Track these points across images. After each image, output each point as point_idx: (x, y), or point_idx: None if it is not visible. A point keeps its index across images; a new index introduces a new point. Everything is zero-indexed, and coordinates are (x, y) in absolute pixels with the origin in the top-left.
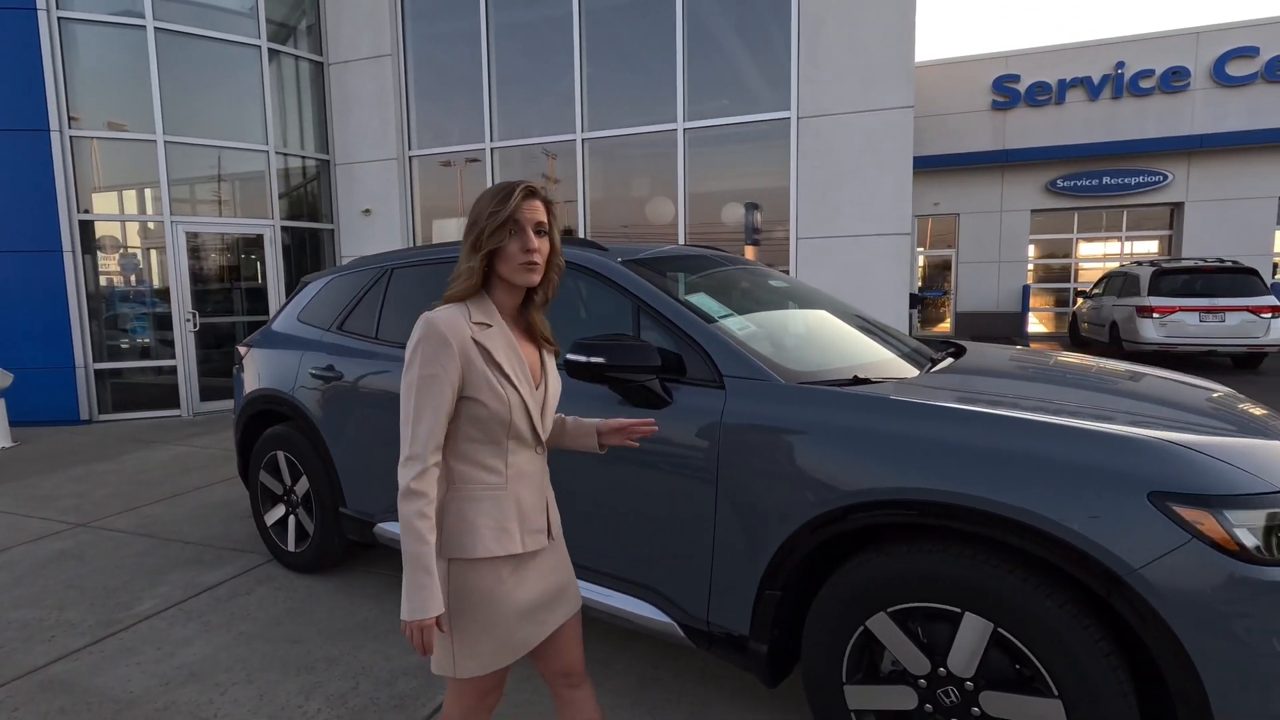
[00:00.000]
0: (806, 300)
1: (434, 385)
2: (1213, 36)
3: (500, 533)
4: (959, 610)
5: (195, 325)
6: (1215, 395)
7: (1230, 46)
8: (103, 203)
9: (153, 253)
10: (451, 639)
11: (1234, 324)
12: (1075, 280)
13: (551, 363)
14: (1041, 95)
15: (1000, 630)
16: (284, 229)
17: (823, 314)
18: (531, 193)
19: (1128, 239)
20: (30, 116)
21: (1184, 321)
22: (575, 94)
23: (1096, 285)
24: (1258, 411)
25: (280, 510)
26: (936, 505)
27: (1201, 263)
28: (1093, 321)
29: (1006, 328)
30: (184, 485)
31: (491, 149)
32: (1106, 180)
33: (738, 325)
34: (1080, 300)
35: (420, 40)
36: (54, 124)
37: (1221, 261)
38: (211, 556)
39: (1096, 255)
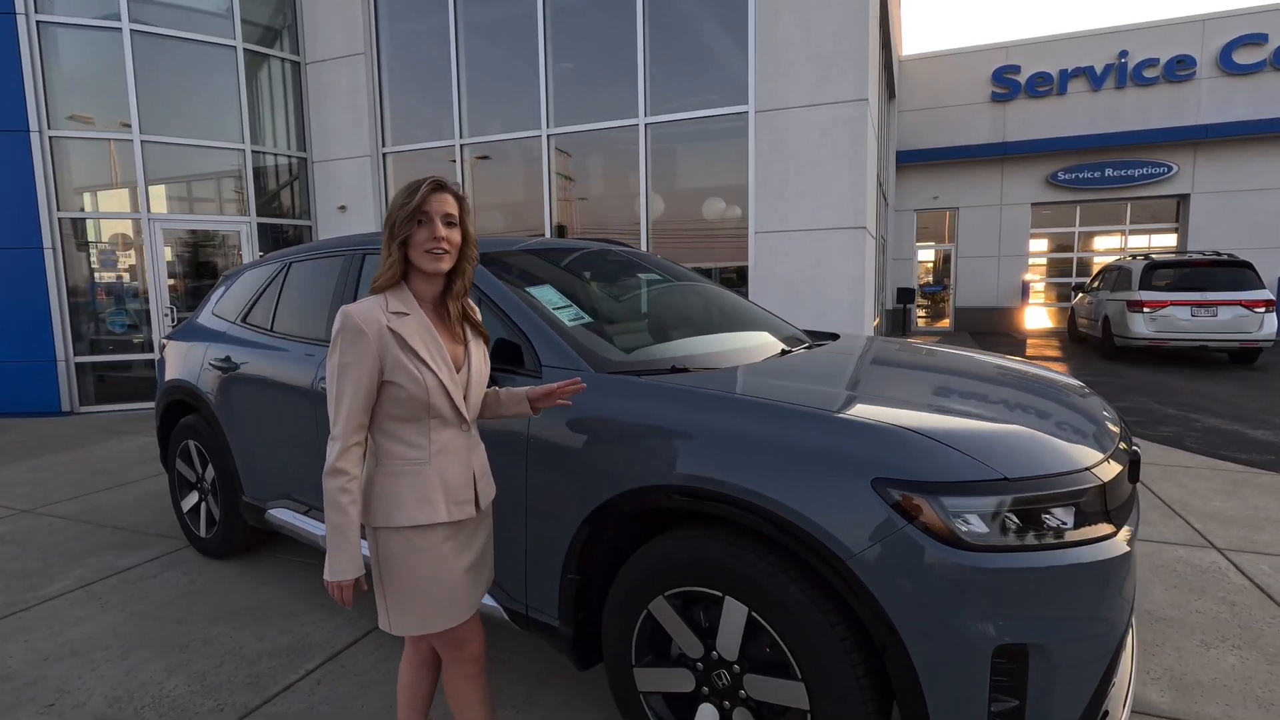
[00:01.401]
0: (687, 292)
1: (350, 372)
2: (1219, 24)
3: (424, 504)
4: (721, 595)
5: (174, 320)
6: (1069, 389)
7: (1238, 34)
8: (82, 201)
9: (131, 249)
10: (385, 601)
11: (1226, 319)
12: (1076, 275)
13: (477, 347)
14: (1042, 86)
15: (754, 615)
16: (261, 225)
17: (695, 303)
18: (440, 186)
19: (1131, 232)
20: (10, 118)
21: (1175, 316)
22: (541, 90)
23: (1093, 280)
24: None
25: (194, 497)
26: (687, 490)
27: (1196, 256)
28: (1088, 317)
29: (1006, 323)
30: (137, 475)
31: (461, 145)
32: (1109, 172)
33: (570, 316)
34: (1078, 295)
35: (392, 39)
36: (34, 125)
37: (1217, 255)
38: (136, 542)
39: (1108, 250)
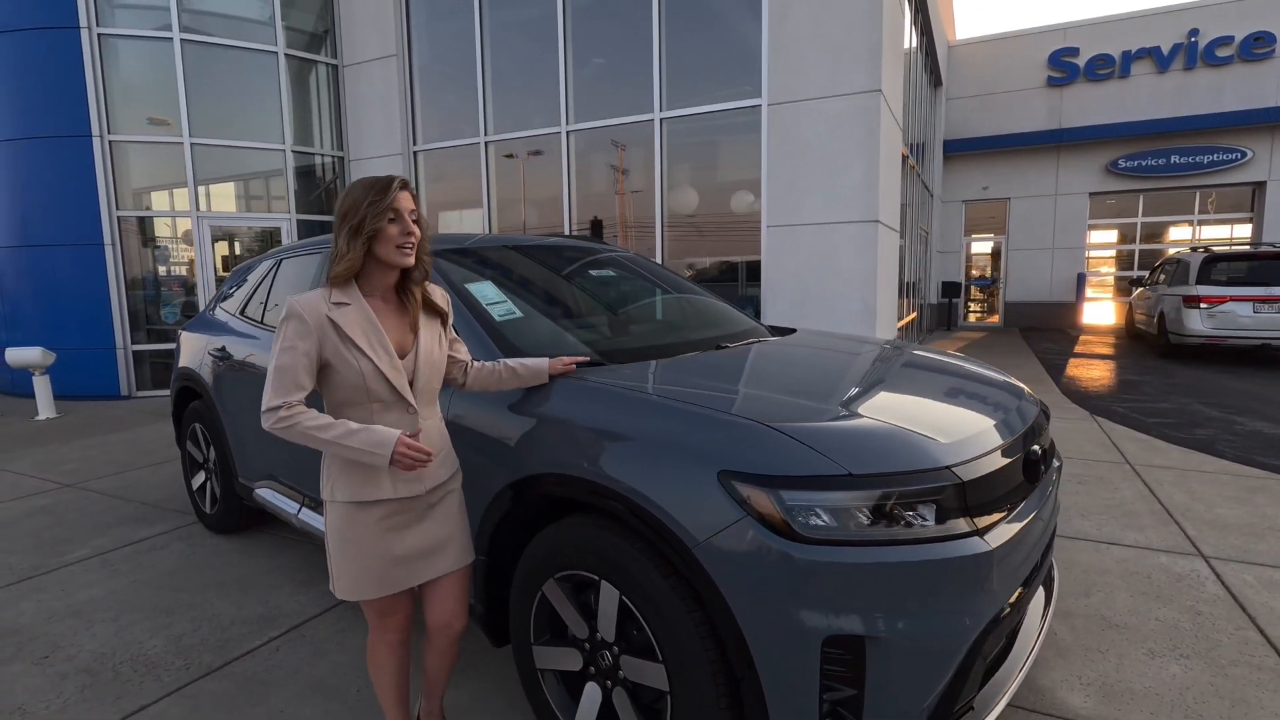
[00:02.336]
0: (642, 288)
1: (287, 355)
2: None
3: (366, 481)
4: (598, 579)
5: None
6: (989, 386)
7: None
8: (138, 200)
9: (182, 246)
10: (330, 565)
11: None
12: (1138, 268)
13: (430, 331)
14: (1103, 69)
15: (624, 599)
16: (301, 222)
17: (646, 298)
18: (405, 185)
19: (1201, 222)
20: (75, 123)
21: (1235, 313)
22: (561, 88)
23: (1153, 273)
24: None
25: (201, 476)
26: (562, 479)
27: (1266, 248)
28: (1146, 312)
29: (1060, 319)
30: (172, 455)
31: (486, 143)
32: (1176, 159)
33: (500, 311)
34: (1136, 289)
35: (422, 41)
36: (95, 129)
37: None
38: (155, 516)
39: (1176, 241)
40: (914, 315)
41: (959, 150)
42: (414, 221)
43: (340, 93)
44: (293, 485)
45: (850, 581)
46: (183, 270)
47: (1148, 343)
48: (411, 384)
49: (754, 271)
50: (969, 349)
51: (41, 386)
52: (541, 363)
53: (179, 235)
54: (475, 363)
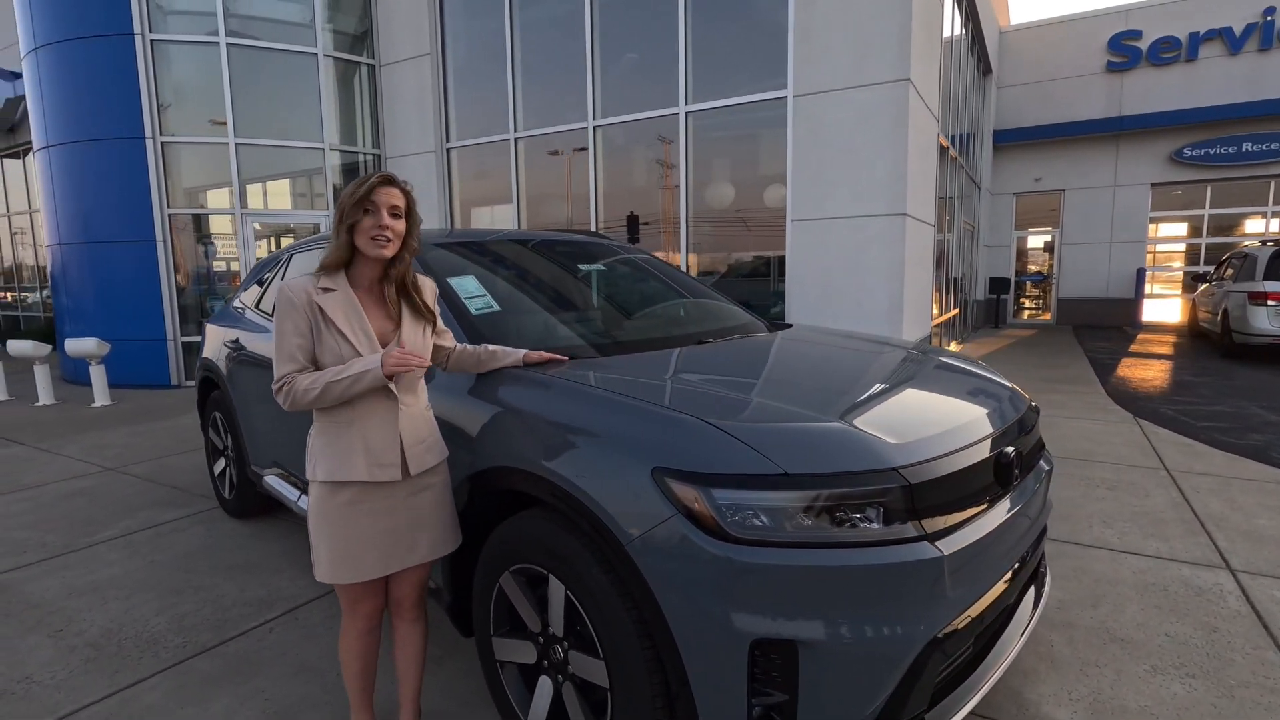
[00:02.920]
0: (634, 284)
1: (282, 335)
2: None
3: (342, 462)
4: (547, 573)
5: None
6: (966, 384)
7: None
8: (189, 198)
9: (228, 241)
10: (311, 545)
11: None
12: (1204, 263)
13: (414, 326)
14: (1168, 52)
15: (569, 594)
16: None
17: (633, 294)
18: (388, 181)
19: (1275, 215)
20: (130, 126)
21: None
22: (588, 83)
23: (1219, 268)
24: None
25: (221, 463)
26: (513, 472)
27: None
28: (1210, 310)
29: (1117, 316)
30: None
31: (515, 139)
32: (1248, 147)
33: (478, 305)
34: (1201, 285)
35: (455, 38)
36: (148, 131)
37: None
38: (182, 500)
39: (1250, 235)
40: (955, 312)
41: (1010, 140)
42: (396, 216)
43: (378, 92)
44: (293, 473)
45: (781, 584)
46: (227, 265)
47: (1211, 342)
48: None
49: (780, 267)
50: (1011, 349)
51: (97, 375)
52: (518, 353)
53: (225, 232)
54: (459, 346)
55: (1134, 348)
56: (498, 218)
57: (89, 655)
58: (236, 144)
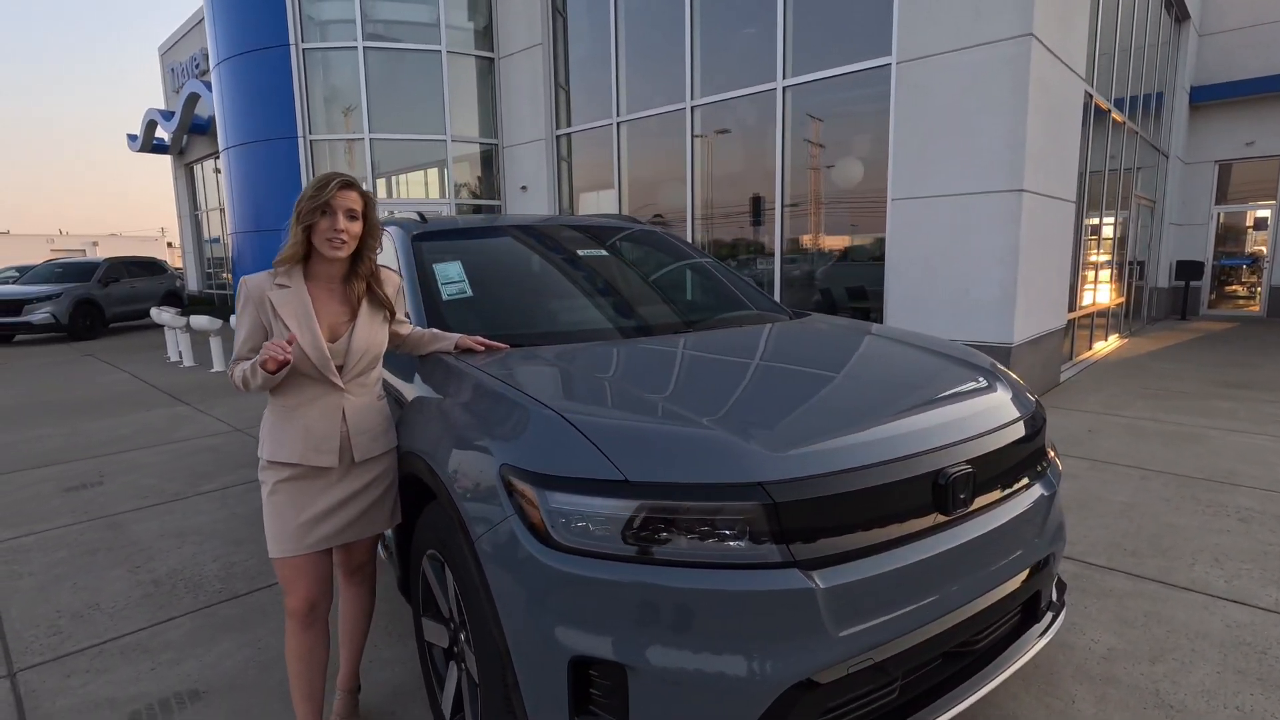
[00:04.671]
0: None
1: (241, 323)
2: None
3: (282, 443)
4: (443, 561)
5: None
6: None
7: None
8: None
9: None
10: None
11: None
12: None
13: (371, 320)
14: None
15: (457, 585)
16: (459, 206)
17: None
18: (348, 184)
19: None
20: (286, 127)
21: None
22: (686, 64)
23: None
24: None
25: None
26: (412, 455)
27: None
28: None
29: None
30: None
31: (617, 124)
32: None
33: (451, 291)
34: None
35: (566, 26)
36: (300, 131)
37: None
38: None
39: None
40: (1120, 301)
41: (1213, 98)
42: (353, 219)
43: (496, 84)
44: None
45: (608, 601)
46: None
47: None
48: (343, 366)
49: (880, 251)
50: (1189, 345)
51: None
52: (452, 338)
53: None
54: (412, 329)
55: None
56: (603, 202)
57: (148, 591)
58: (371, 139)
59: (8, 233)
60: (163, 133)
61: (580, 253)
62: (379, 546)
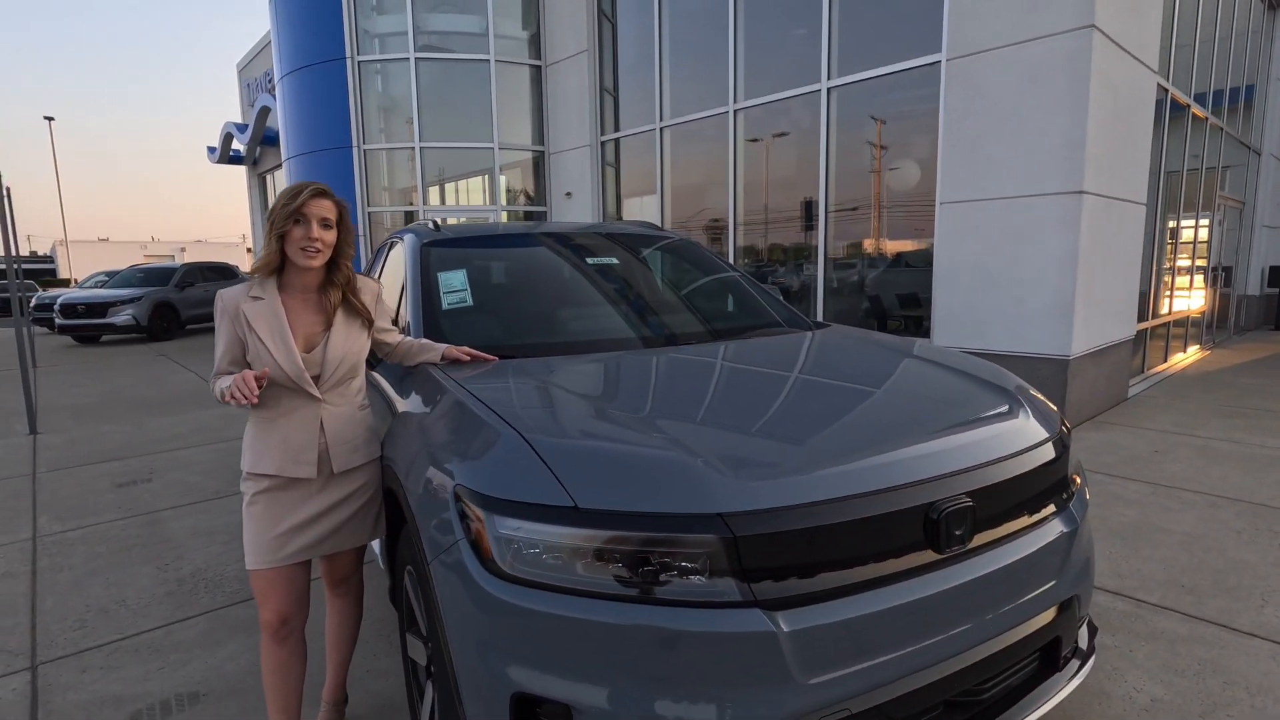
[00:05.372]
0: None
1: (219, 337)
2: None
3: (261, 454)
4: (418, 579)
5: None
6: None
7: None
8: (384, 197)
9: None
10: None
11: None
12: None
13: (349, 329)
14: None
15: (426, 605)
16: (508, 211)
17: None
18: (321, 193)
19: None
20: (342, 137)
21: None
22: (729, 67)
23: None
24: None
25: None
26: (387, 465)
27: None
28: None
29: None
30: None
31: (661, 129)
32: None
33: (451, 301)
34: None
35: (610, 33)
36: (355, 141)
37: None
38: None
39: None
40: (1202, 310)
41: None
42: (327, 227)
43: (543, 91)
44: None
45: (554, 636)
46: None
47: None
48: (319, 376)
49: (929, 258)
50: (1276, 359)
51: None
52: (438, 349)
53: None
54: (401, 340)
55: None
56: (646, 208)
57: (172, 589)
58: (421, 148)
59: (107, 239)
60: (238, 144)
61: (588, 261)
62: (379, 555)
